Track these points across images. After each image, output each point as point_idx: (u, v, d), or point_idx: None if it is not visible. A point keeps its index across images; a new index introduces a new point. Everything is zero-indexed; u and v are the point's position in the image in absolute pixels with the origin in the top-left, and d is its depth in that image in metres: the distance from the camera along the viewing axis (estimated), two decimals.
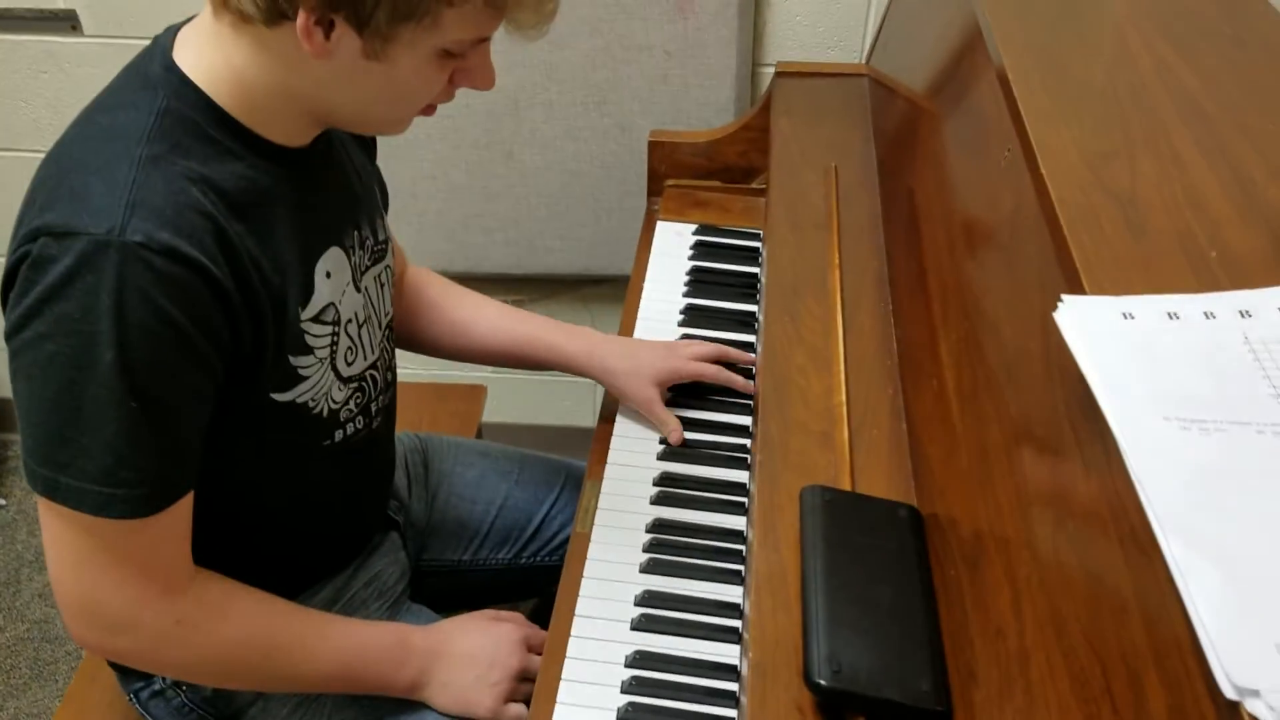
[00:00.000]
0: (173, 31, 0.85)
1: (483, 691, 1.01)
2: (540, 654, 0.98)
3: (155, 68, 0.82)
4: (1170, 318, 0.63)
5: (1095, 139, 0.81)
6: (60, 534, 0.82)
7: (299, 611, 0.96)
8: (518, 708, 1.02)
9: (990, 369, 0.79)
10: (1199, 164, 0.77)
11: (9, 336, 0.78)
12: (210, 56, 0.81)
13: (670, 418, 1.13)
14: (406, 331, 1.20)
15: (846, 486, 0.89)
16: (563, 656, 0.92)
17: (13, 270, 0.78)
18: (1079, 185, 0.74)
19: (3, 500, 2.12)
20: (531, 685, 0.95)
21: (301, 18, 0.74)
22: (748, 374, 1.18)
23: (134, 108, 0.80)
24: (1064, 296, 0.64)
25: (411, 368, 1.12)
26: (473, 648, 1.03)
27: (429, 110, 0.87)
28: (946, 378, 0.86)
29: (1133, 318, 0.62)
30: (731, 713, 0.87)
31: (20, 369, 0.78)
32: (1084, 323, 0.62)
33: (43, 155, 0.83)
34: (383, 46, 0.76)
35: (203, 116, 0.81)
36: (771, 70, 1.56)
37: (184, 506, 0.84)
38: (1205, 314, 0.63)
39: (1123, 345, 0.61)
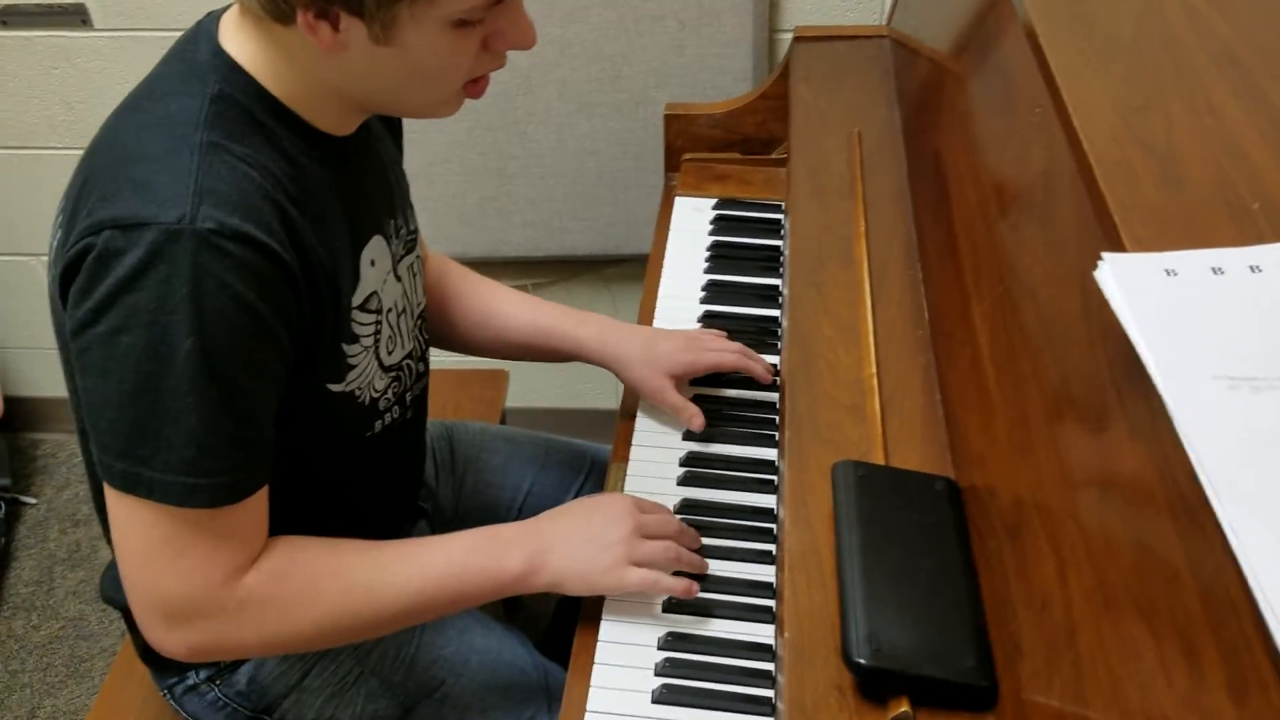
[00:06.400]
0: (215, 17, 0.84)
1: (603, 552, 0.89)
2: (653, 512, 0.92)
3: (202, 53, 0.81)
4: (1215, 273, 0.60)
5: (1127, 91, 0.78)
6: (130, 526, 0.80)
7: (369, 547, 0.89)
8: (644, 571, 0.90)
9: (1027, 333, 0.77)
10: (1235, 113, 0.74)
11: (76, 332, 0.77)
12: (252, 46, 0.81)
13: (686, 404, 1.09)
14: (430, 324, 1.18)
15: (880, 460, 0.87)
16: (595, 640, 0.90)
17: (73, 264, 0.76)
18: (1113, 139, 0.71)
19: (34, 499, 2.13)
20: (655, 545, 0.90)
21: (301, 14, 0.74)
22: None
23: (185, 94, 0.79)
24: (1104, 255, 0.61)
25: (434, 355, 1.11)
26: (580, 513, 0.93)
27: (476, 86, 0.84)
28: (981, 344, 0.84)
29: (1176, 274, 0.60)
30: (767, 692, 0.85)
31: (92, 364, 0.76)
32: (1126, 281, 0.59)
33: (56, 151, 0.81)
34: (386, 29, 0.75)
35: (254, 103, 0.80)
36: (790, 36, 1.53)
37: (261, 496, 0.83)
38: (1251, 268, 0.60)
39: (1167, 303, 0.58)
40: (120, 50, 1.74)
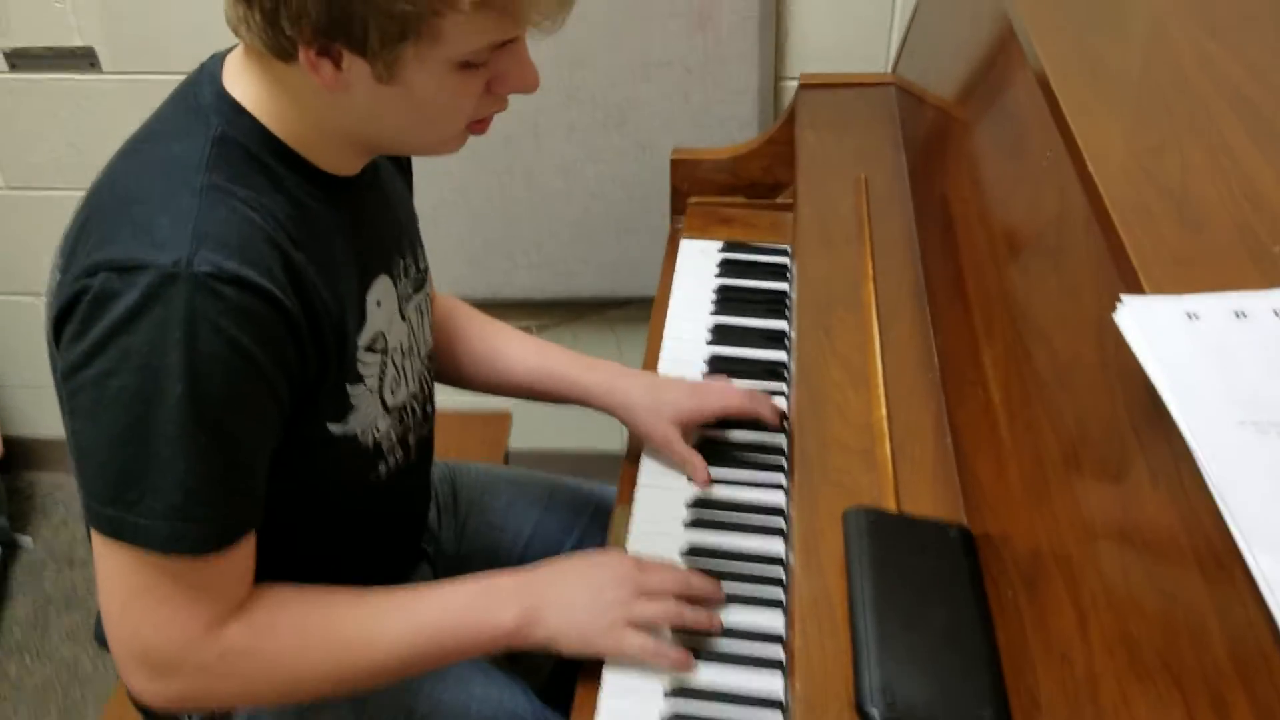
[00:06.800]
0: (219, 59, 0.84)
1: (601, 613, 0.86)
2: (654, 572, 0.90)
3: (205, 96, 0.81)
4: (1238, 316, 0.59)
5: (1141, 133, 0.77)
6: (113, 573, 0.79)
7: (360, 598, 0.87)
8: (643, 638, 0.87)
9: (1041, 377, 0.75)
10: (1252, 155, 0.74)
11: (68, 375, 0.75)
12: (256, 88, 0.80)
13: (692, 455, 1.07)
14: (437, 363, 1.17)
15: (891, 507, 0.86)
16: (598, 690, 0.88)
17: (68, 306, 0.75)
18: (1129, 182, 0.71)
19: (29, 540, 2.11)
20: (655, 606, 0.87)
21: (303, 52, 0.73)
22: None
23: (188, 136, 0.79)
24: (1123, 297, 0.60)
25: (437, 395, 1.10)
26: (578, 571, 0.91)
27: (479, 125, 0.83)
28: (993, 389, 0.83)
29: (1198, 318, 0.59)
30: None
31: (81, 407, 0.75)
32: (1146, 324, 0.58)
33: (62, 193, 0.81)
34: (390, 69, 0.74)
35: (257, 144, 0.80)
36: (794, 84, 1.54)
37: (249, 544, 0.82)
38: (1275, 311, 0.59)
39: (1189, 347, 0.57)
40: (128, 93, 1.75)
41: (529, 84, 0.81)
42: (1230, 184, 0.69)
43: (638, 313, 1.88)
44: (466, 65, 0.77)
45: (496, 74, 0.79)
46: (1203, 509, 0.53)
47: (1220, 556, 0.52)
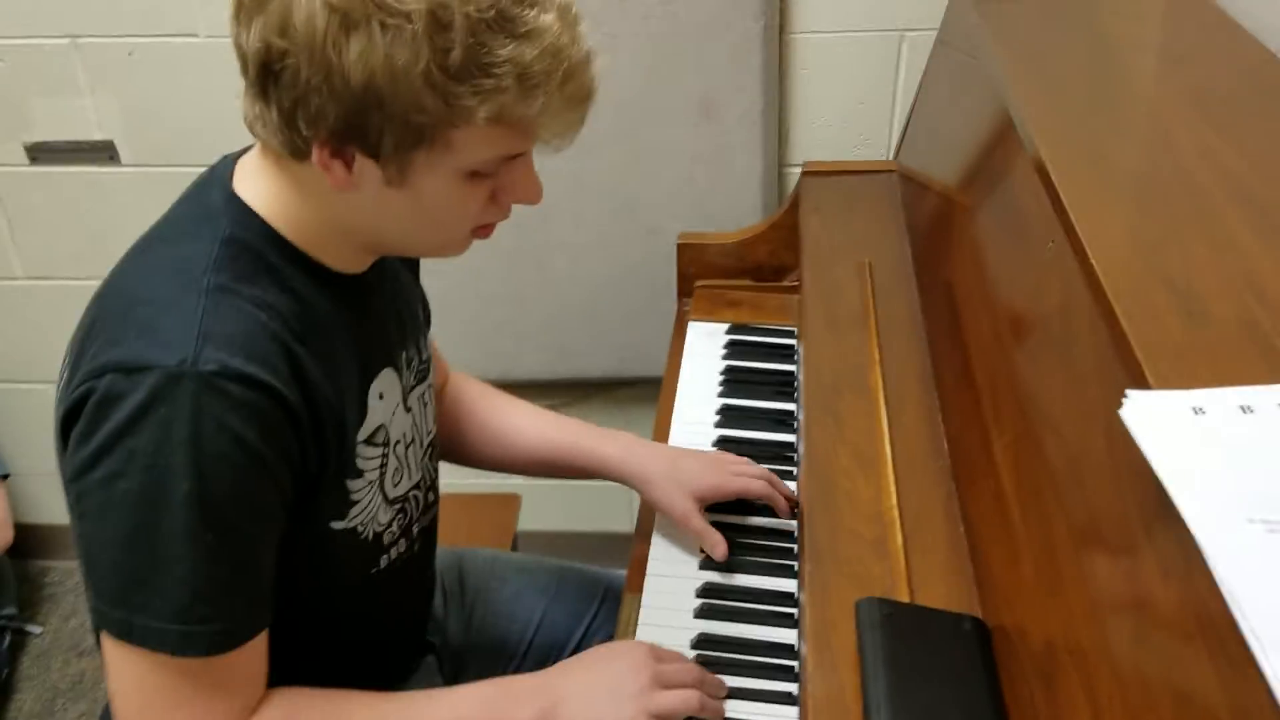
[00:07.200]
0: (230, 161, 0.86)
1: (621, 705, 0.86)
2: (672, 661, 0.89)
3: (216, 198, 0.82)
4: (1244, 411, 0.59)
5: (1143, 226, 0.78)
6: (125, 676, 0.78)
7: (374, 701, 0.87)
8: None
9: (1051, 469, 0.75)
10: (1254, 248, 0.74)
11: (75, 478, 0.76)
12: (266, 188, 0.82)
13: (711, 531, 1.06)
14: (447, 440, 1.17)
15: (904, 597, 0.85)
16: None
17: (75, 409, 0.76)
18: (1131, 275, 0.71)
19: (39, 628, 2.09)
20: (674, 696, 0.86)
21: (316, 152, 0.75)
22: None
23: (196, 238, 0.80)
24: (1129, 392, 0.61)
25: (445, 478, 1.10)
26: (595, 664, 0.91)
27: (484, 231, 0.85)
28: (1003, 478, 0.83)
29: (1204, 413, 0.59)
30: None
31: (88, 511, 0.75)
32: (1153, 420, 0.59)
33: (80, 283, 0.82)
34: (401, 173, 0.76)
35: (265, 245, 0.81)
36: (798, 171, 1.56)
37: (260, 642, 0.81)
38: None
39: (1196, 443, 0.57)
40: (147, 185, 1.78)
41: (533, 196, 0.83)
42: (1234, 277, 0.70)
43: (645, 393, 1.89)
44: (474, 174, 0.78)
45: (502, 184, 0.81)
46: (1214, 605, 0.53)
47: (1234, 654, 0.52)
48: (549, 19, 0.73)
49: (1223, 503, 0.55)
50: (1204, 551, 0.53)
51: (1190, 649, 0.56)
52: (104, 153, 1.75)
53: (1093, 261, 0.73)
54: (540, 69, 0.72)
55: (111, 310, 0.79)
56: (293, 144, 0.76)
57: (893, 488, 0.96)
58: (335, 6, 0.69)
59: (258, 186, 0.82)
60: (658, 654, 0.91)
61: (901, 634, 0.79)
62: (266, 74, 0.73)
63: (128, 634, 0.75)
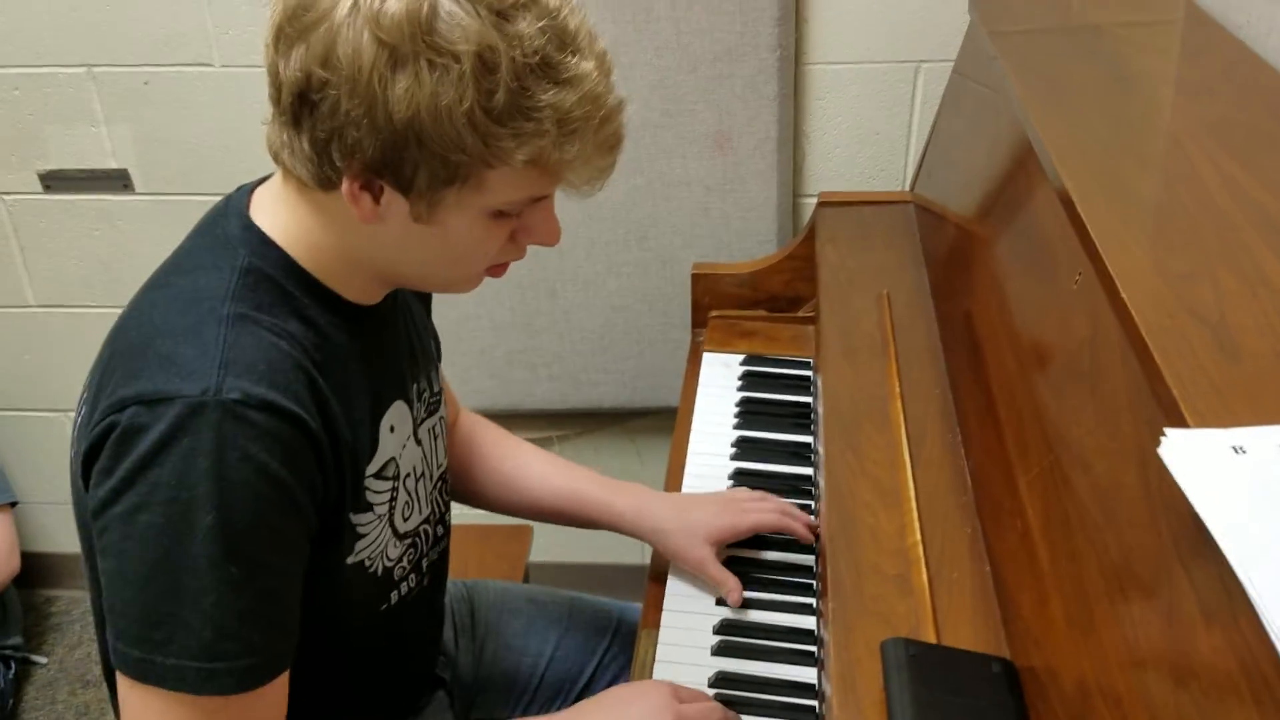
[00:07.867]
0: (246, 191, 0.85)
1: None
2: (693, 699, 0.88)
3: (233, 227, 0.82)
4: None
5: (1172, 259, 0.77)
6: (142, 713, 0.76)
7: None
8: None
9: (1081, 506, 0.74)
10: None
11: (98, 512, 0.75)
12: (285, 217, 0.82)
13: (727, 577, 1.05)
14: (459, 483, 1.16)
15: (930, 637, 0.83)
16: None
17: (97, 444, 0.75)
18: (1163, 309, 0.70)
19: (44, 658, 2.08)
20: None
21: (346, 184, 0.74)
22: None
23: (214, 268, 0.80)
24: (1167, 431, 0.59)
25: (457, 509, 1.09)
26: (615, 706, 0.90)
27: (498, 270, 0.85)
28: (1030, 516, 0.81)
29: (1245, 451, 0.57)
30: None
31: (111, 545, 0.74)
32: (1192, 459, 0.57)
33: (92, 311, 0.82)
34: (430, 209, 0.76)
35: (283, 275, 0.81)
36: (813, 201, 1.56)
37: (282, 681, 0.79)
38: None
39: (1238, 482, 0.56)
40: (161, 213, 1.78)
41: (552, 238, 0.83)
42: (1267, 312, 0.69)
43: (658, 423, 1.88)
44: (499, 214, 0.78)
45: (524, 225, 0.81)
46: (1260, 649, 0.51)
47: (1277, 696, 0.50)
48: (589, 66, 0.73)
49: (1267, 544, 0.53)
50: (1250, 594, 0.51)
51: (1234, 694, 0.54)
52: (118, 181, 1.75)
53: (1123, 296, 0.72)
54: (579, 115, 0.73)
55: (130, 344, 0.78)
56: (321, 174, 0.75)
57: (916, 523, 0.95)
58: (384, 42, 0.69)
59: (276, 216, 0.82)
60: (680, 694, 0.90)
61: (929, 675, 0.77)
62: (302, 103, 0.73)
63: (145, 675, 0.74)
